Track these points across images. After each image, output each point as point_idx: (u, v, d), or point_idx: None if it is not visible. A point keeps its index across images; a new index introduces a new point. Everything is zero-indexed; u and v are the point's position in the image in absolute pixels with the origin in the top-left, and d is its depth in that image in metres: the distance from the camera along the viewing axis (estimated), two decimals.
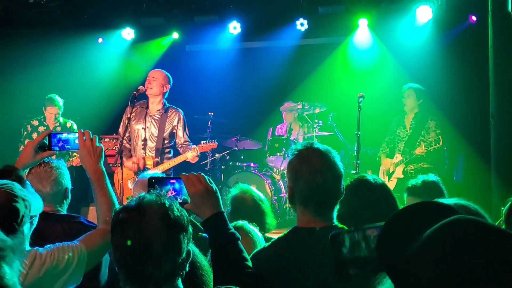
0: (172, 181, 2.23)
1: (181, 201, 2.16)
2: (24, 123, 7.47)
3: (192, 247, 1.93)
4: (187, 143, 6.12)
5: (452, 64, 7.73)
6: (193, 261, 1.98)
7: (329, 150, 2.27)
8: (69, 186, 3.23)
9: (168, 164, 5.94)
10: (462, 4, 7.57)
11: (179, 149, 6.17)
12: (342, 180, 2.27)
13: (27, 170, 2.88)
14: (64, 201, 3.20)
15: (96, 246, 2.59)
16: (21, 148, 7.32)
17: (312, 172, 2.19)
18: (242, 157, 8.13)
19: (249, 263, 2.13)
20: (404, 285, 1.08)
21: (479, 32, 7.13)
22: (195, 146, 6.04)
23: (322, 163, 2.20)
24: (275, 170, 7.95)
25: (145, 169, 5.83)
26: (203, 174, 2.20)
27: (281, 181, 7.78)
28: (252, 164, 7.96)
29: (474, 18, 7.90)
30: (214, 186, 2.19)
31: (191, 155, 5.94)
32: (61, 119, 7.31)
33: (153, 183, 2.19)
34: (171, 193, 2.20)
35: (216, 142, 6.31)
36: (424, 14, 7.86)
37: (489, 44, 5.84)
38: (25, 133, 7.38)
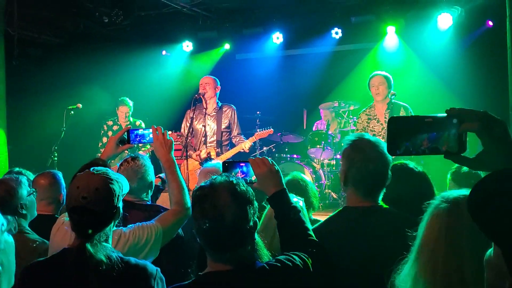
0: (241, 164, 2.24)
1: (248, 182, 2.14)
2: (102, 123, 7.58)
3: None
4: (240, 135, 6.19)
5: (471, 63, 7.52)
6: None
7: (378, 141, 2.24)
8: (153, 179, 3.24)
9: (225, 155, 5.96)
10: (480, 11, 7.33)
11: (233, 141, 6.16)
12: (389, 167, 2.24)
13: (110, 161, 2.89)
14: (149, 191, 3.22)
15: (170, 224, 2.64)
16: (100, 144, 7.43)
17: (365, 160, 2.18)
18: (287, 150, 8.07)
19: (311, 232, 2.10)
20: None
21: (495, 35, 6.93)
22: (252, 137, 6.12)
23: (373, 152, 2.18)
24: (315, 160, 7.87)
25: (209, 159, 5.92)
26: (267, 157, 2.20)
27: (320, 170, 7.68)
28: (295, 156, 7.90)
29: (490, 23, 7.68)
30: (277, 167, 2.18)
31: (247, 145, 6.00)
32: (131, 119, 7.40)
33: (226, 166, 2.24)
34: (240, 175, 2.21)
35: (272, 129, 6.33)
36: (445, 21, 7.65)
37: (507, 45, 5.62)
38: (102, 132, 7.51)
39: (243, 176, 2.21)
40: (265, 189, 2.15)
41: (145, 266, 2.06)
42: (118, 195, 2.07)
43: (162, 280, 2.09)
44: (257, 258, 2.00)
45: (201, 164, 6.00)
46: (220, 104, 6.22)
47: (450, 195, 1.62)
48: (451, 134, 1.26)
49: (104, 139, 7.37)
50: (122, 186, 2.13)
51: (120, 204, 2.10)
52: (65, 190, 3.59)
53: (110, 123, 7.49)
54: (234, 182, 1.79)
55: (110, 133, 7.31)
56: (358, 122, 6.03)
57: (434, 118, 1.28)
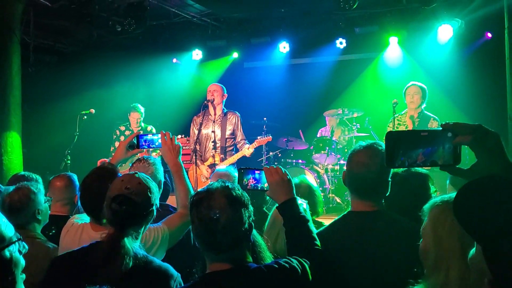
0: (255, 171, 2.22)
1: (260, 189, 2.18)
2: (114, 128, 7.61)
3: (253, 231, 1.92)
4: (243, 141, 6.18)
5: (471, 73, 7.55)
6: (253, 240, 1.95)
7: (376, 147, 2.16)
8: (162, 180, 3.21)
9: (228, 161, 5.96)
10: (479, 23, 7.34)
11: (237, 146, 6.18)
12: (387, 172, 2.18)
13: (120, 165, 2.90)
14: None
15: (176, 226, 2.62)
16: (112, 149, 7.46)
17: (357, 164, 2.19)
18: (292, 155, 8.04)
19: (317, 242, 2.10)
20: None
21: (494, 46, 6.95)
22: (253, 143, 6.10)
23: (366, 157, 2.16)
24: (320, 166, 7.86)
25: (215, 164, 5.92)
26: (280, 167, 2.20)
27: (325, 175, 7.68)
28: (300, 161, 7.88)
29: (489, 34, 7.69)
30: (289, 176, 2.19)
31: (248, 151, 5.99)
32: (142, 124, 7.41)
33: (242, 172, 2.22)
34: (252, 181, 2.21)
35: (270, 136, 6.31)
36: (446, 32, 7.63)
37: (506, 55, 5.64)
38: (114, 136, 7.51)
39: (255, 182, 2.21)
40: (276, 197, 2.16)
41: (167, 268, 2.10)
42: (156, 195, 2.17)
43: (181, 284, 2.11)
44: (258, 260, 2.01)
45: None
46: (225, 110, 6.23)
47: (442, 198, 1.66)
48: (446, 147, 1.29)
49: (116, 144, 7.33)
50: (157, 188, 2.22)
51: (156, 204, 2.18)
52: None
53: (122, 128, 7.51)
54: (230, 186, 1.81)
55: (122, 138, 7.24)
56: (389, 126, 6.13)
57: (429, 132, 1.32)
